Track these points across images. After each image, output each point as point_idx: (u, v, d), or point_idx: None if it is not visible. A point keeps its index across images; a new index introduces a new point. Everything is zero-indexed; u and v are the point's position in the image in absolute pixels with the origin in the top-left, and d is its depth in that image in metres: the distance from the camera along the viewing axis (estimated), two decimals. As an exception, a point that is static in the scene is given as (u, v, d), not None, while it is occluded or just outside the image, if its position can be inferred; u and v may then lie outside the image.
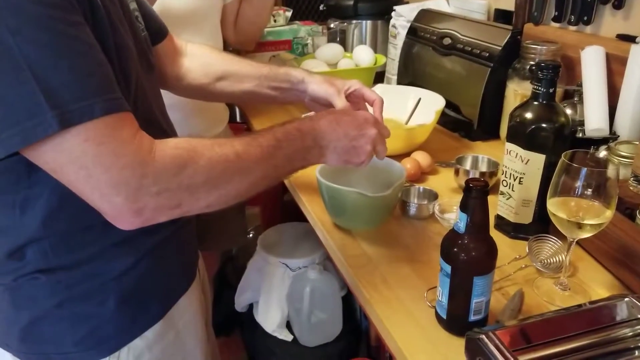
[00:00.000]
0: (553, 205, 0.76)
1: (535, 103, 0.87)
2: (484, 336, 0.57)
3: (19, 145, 0.54)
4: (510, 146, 0.90)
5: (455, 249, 0.68)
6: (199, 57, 0.98)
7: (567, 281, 0.80)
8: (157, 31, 0.90)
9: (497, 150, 1.29)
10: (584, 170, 0.72)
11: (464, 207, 0.67)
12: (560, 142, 0.86)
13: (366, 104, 0.95)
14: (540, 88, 0.86)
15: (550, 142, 0.86)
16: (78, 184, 0.57)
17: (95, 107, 0.55)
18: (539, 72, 0.85)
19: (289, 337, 1.60)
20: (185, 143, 0.62)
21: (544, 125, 0.86)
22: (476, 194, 0.66)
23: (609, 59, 1.13)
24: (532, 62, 1.23)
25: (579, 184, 0.73)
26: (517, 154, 0.88)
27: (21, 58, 0.52)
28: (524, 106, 0.89)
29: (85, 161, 0.55)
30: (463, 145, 1.34)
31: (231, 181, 0.64)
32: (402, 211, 1.02)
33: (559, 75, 0.86)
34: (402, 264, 0.87)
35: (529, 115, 0.87)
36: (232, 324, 1.83)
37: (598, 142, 1.07)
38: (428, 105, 1.23)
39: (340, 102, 0.89)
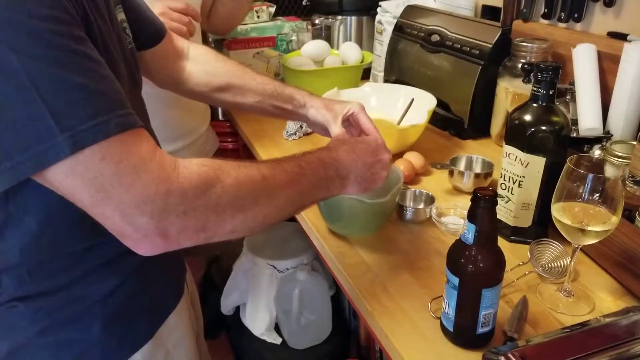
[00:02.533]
0: (557, 211, 0.75)
1: (535, 105, 0.85)
2: (503, 358, 0.55)
3: (29, 171, 0.50)
4: (509, 149, 0.88)
5: (463, 261, 0.66)
6: (203, 63, 0.95)
7: (570, 287, 0.79)
8: (155, 33, 0.87)
9: (489, 149, 1.28)
10: (591, 176, 0.71)
11: (472, 217, 0.65)
12: (560, 144, 0.85)
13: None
14: (540, 90, 0.84)
15: (550, 145, 0.84)
16: (95, 207, 0.53)
17: (110, 124, 0.51)
18: (539, 74, 0.83)
19: (277, 340, 1.58)
20: (211, 162, 0.59)
21: (544, 127, 0.84)
22: (485, 204, 0.64)
23: (601, 57, 1.12)
24: (523, 60, 1.21)
25: (584, 189, 0.72)
26: (516, 157, 0.87)
27: (26, 77, 0.48)
28: (522, 108, 0.87)
29: (103, 182, 0.51)
30: (454, 144, 1.32)
31: (257, 204, 0.61)
32: (398, 215, 0.99)
33: (559, 77, 0.84)
34: (402, 272, 0.85)
35: (528, 117, 0.85)
36: (218, 327, 1.80)
37: (591, 141, 1.06)
38: (419, 104, 1.21)
39: (335, 129, 0.88)
